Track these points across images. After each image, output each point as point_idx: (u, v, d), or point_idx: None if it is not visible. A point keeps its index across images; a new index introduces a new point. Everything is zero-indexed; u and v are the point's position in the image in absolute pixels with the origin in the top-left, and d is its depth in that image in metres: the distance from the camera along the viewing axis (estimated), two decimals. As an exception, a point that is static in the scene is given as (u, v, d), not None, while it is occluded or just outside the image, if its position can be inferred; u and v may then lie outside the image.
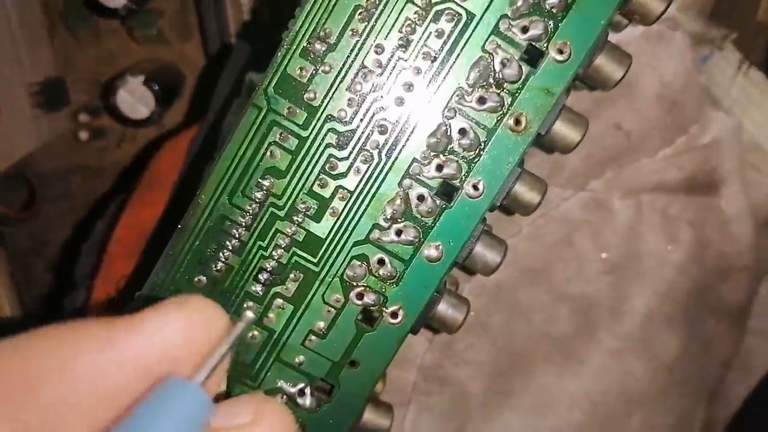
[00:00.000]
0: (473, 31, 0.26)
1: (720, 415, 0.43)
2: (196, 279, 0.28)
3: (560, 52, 0.26)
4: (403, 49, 0.26)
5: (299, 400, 0.29)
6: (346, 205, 0.28)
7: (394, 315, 0.29)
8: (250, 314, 0.20)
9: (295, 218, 0.28)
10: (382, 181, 0.27)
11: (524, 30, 0.26)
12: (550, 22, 0.26)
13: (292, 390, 0.29)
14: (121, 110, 0.43)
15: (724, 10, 0.48)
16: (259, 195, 0.27)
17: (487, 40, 0.26)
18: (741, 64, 0.39)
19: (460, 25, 0.26)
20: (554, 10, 0.26)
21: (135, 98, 0.43)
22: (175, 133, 0.39)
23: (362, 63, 0.26)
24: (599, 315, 0.37)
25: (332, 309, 0.29)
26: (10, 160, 0.41)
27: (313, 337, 0.29)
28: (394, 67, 0.27)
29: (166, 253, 0.28)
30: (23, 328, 0.17)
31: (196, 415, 0.17)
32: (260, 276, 0.28)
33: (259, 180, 0.27)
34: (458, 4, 0.26)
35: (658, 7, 0.28)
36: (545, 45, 0.26)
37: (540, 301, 0.36)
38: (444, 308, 0.29)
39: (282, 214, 0.28)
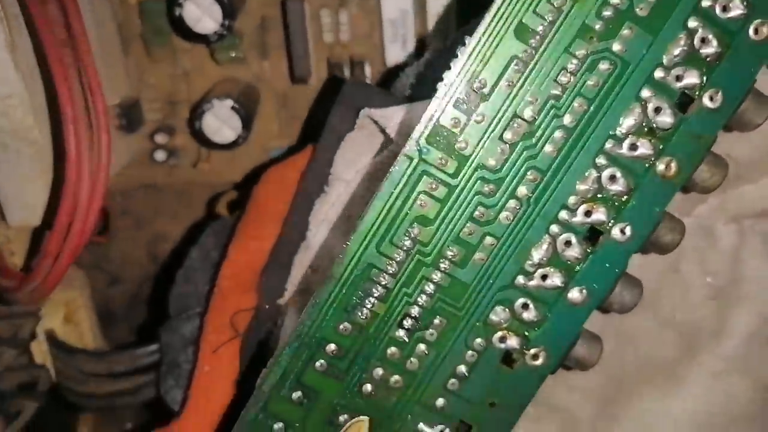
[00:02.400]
0: (628, 79, 0.26)
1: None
2: (341, 327, 0.28)
3: (711, 99, 0.26)
4: (557, 99, 0.26)
5: (439, 442, 0.30)
6: (492, 251, 0.28)
7: (535, 357, 0.29)
8: None
9: (441, 266, 0.28)
10: (530, 227, 0.27)
11: (678, 78, 0.26)
12: (704, 71, 0.26)
13: (432, 432, 0.30)
14: (206, 134, 0.42)
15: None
16: (407, 243, 0.27)
17: (641, 88, 0.26)
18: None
19: (615, 75, 0.26)
20: (708, 59, 0.26)
21: (221, 122, 0.42)
22: (275, 160, 0.39)
23: (515, 113, 0.26)
24: (702, 338, 0.37)
25: (474, 353, 0.29)
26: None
27: (454, 381, 0.29)
28: (546, 116, 0.26)
29: (312, 302, 0.28)
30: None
31: None
32: (405, 322, 0.28)
33: (408, 229, 0.27)
34: (615, 54, 0.26)
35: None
36: (698, 93, 0.26)
37: (647, 327, 0.37)
38: (581, 348, 0.30)
39: (428, 261, 0.28)
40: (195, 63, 0.45)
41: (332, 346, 0.28)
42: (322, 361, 0.28)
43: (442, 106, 0.26)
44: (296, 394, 0.29)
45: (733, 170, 0.36)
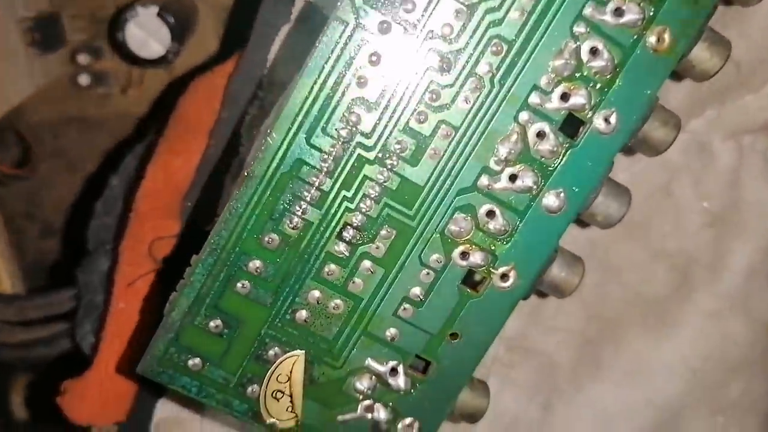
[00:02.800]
0: None
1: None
2: (266, 238, 0.23)
3: (716, -50, 0.21)
4: (527, -54, 0.21)
5: (391, 381, 0.25)
6: (449, 144, 0.23)
7: (504, 277, 0.24)
8: None
9: (387, 162, 0.23)
10: (495, 114, 0.22)
11: None
12: None
13: (383, 369, 0.25)
14: (130, 47, 0.37)
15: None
16: (343, 133, 0.22)
17: (630, -66, 0.21)
18: None
19: None
20: None
21: (147, 33, 0.37)
22: (203, 69, 0.33)
23: (475, -36, 0.21)
24: (697, 272, 0.33)
25: (431, 271, 0.24)
26: (2, 108, 0.35)
27: (407, 306, 0.24)
28: (514, -30, 0.21)
29: (228, 208, 0.23)
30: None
31: None
32: (345, 233, 0.23)
33: (344, 114, 0.22)
34: None
35: None
36: (699, -59, 0.21)
37: (635, 258, 0.32)
38: (558, 269, 0.25)
39: (371, 156, 0.23)
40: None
41: (256, 263, 0.23)
42: (245, 281, 0.23)
43: (383, -46, 0.21)
44: (214, 323, 0.24)
45: (732, 76, 0.32)
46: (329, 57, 0.21)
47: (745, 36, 0.31)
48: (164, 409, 0.32)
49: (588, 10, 0.22)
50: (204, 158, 0.29)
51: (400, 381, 0.24)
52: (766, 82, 0.32)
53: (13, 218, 0.48)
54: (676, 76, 0.25)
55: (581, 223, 0.28)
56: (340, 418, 0.25)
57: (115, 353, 0.29)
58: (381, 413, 0.25)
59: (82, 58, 0.41)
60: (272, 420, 0.24)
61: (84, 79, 0.41)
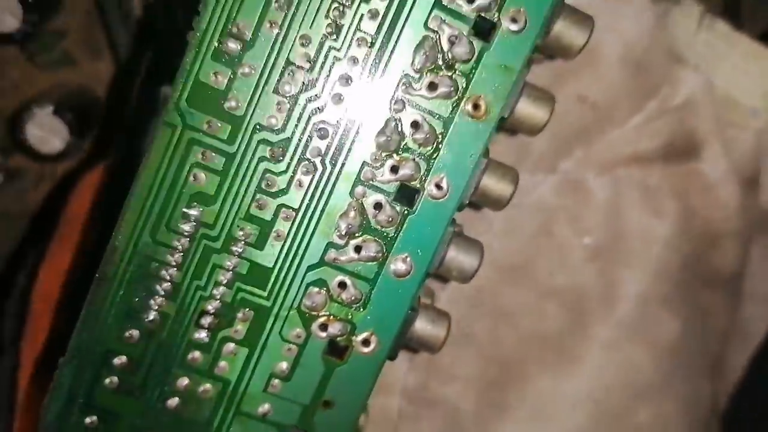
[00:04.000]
0: (412, 7, 0.23)
1: (722, 389, 0.40)
2: (126, 334, 0.24)
3: (514, 21, 0.23)
4: (334, 37, 0.23)
5: (269, 456, 0.25)
6: (292, 225, 0.24)
7: (365, 343, 0.25)
8: None
9: (233, 249, 0.24)
10: (331, 192, 0.24)
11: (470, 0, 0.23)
12: (499, -10, 0.23)
13: (259, 445, 0.25)
14: (32, 146, 0.38)
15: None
16: (186, 227, 0.23)
17: (429, 16, 0.23)
18: (703, 17, 0.36)
19: (396, 2, 0.22)
20: (501, -27, 0.23)
21: (45, 131, 0.38)
22: (92, 163, 0.35)
23: (287, 59, 0.23)
24: (590, 306, 0.34)
25: (293, 346, 0.25)
26: None
27: (276, 381, 0.25)
28: (325, 60, 0.23)
29: (86, 308, 0.24)
30: None
31: None
32: (203, 320, 0.24)
33: (185, 210, 0.23)
34: (390, -22, 0.22)
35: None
36: (496, 15, 0.23)
37: (525, 300, 0.33)
38: (422, 326, 0.26)
39: (218, 245, 0.24)
40: (21, 72, 0.41)
41: (122, 359, 0.24)
42: (112, 377, 0.24)
43: (198, 60, 0.22)
44: (90, 419, 0.24)
45: (589, 117, 0.33)
46: (163, 158, 0.23)
47: (596, 77, 0.32)
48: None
49: (402, 89, 0.23)
50: (85, 257, 0.30)
51: (277, 455, 0.25)
52: (630, 115, 0.33)
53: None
54: (511, 132, 0.26)
55: (442, 279, 0.29)
56: (230, 496, 0.26)
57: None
58: (271, 487, 0.26)
59: (-8, 159, 0.42)
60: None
61: (-5, 178, 0.42)
